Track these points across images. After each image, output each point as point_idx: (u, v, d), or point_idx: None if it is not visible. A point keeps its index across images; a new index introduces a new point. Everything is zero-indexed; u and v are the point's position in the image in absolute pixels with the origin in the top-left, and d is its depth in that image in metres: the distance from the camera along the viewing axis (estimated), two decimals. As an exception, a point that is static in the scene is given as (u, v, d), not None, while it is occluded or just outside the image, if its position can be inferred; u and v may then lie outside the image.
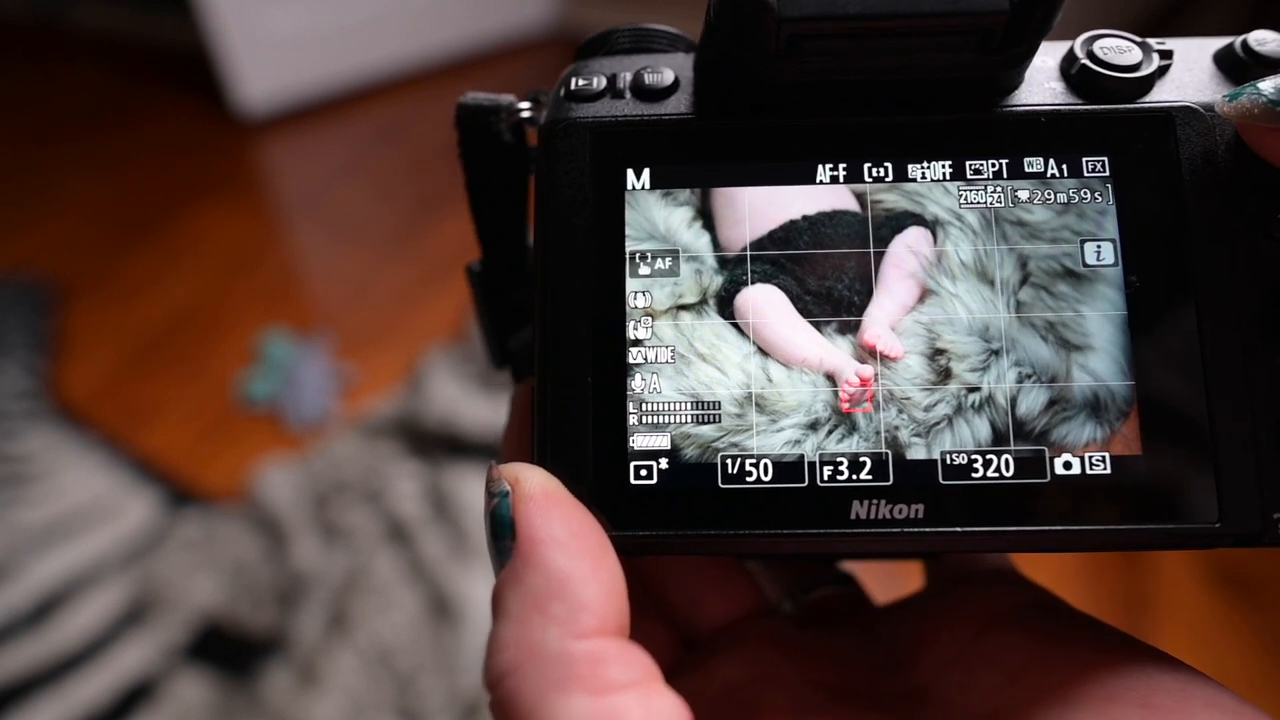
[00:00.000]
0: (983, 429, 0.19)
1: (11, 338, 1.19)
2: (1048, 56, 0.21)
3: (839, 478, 0.19)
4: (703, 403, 0.19)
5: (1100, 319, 0.19)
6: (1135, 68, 0.20)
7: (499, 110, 0.23)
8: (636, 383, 0.19)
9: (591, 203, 0.20)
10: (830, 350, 0.19)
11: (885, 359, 0.19)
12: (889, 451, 0.19)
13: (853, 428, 0.19)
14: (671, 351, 0.20)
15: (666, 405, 0.19)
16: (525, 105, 0.23)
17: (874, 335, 0.19)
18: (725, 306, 0.20)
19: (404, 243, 1.35)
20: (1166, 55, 0.20)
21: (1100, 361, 0.19)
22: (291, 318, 1.21)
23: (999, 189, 0.20)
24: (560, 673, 0.15)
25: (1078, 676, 0.18)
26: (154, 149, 1.57)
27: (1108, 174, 0.19)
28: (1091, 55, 0.20)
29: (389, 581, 0.85)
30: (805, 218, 0.20)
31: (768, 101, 0.20)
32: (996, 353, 0.19)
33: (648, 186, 0.20)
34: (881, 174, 0.20)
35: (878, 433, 0.19)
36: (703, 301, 0.20)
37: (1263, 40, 0.20)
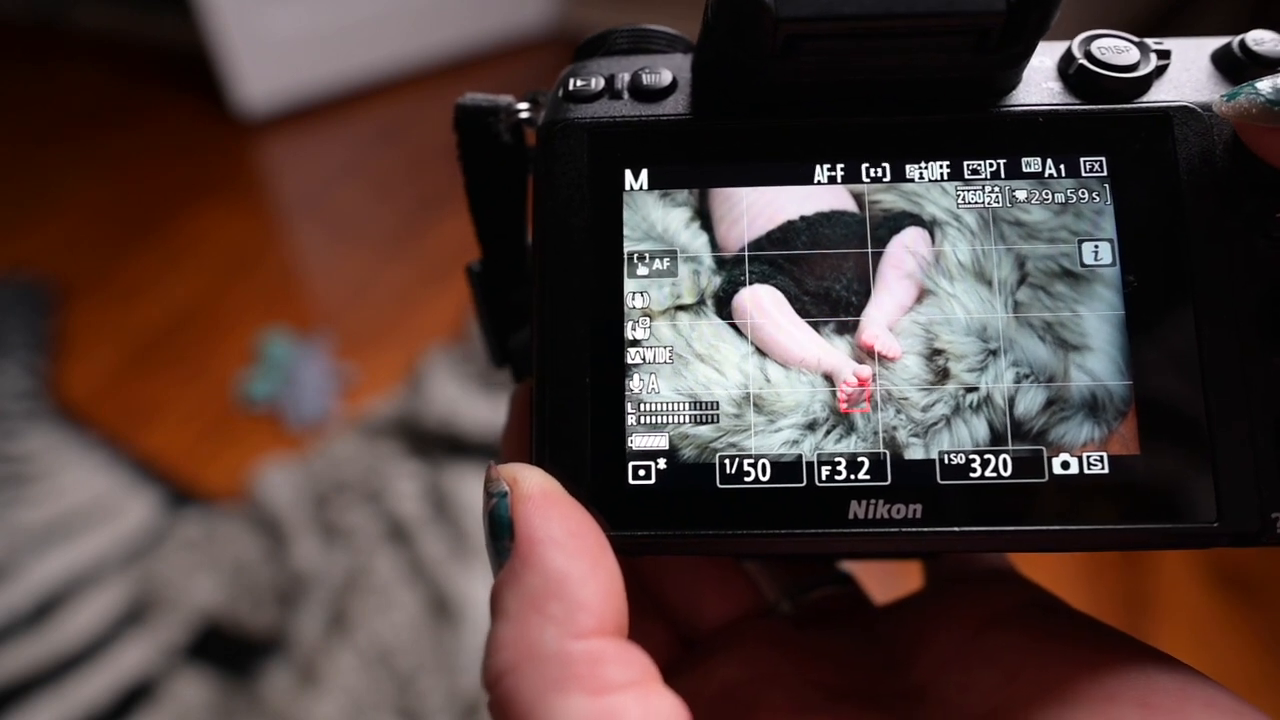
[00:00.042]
0: (981, 429, 0.19)
1: (11, 338, 1.19)
2: (1045, 56, 0.21)
3: (837, 478, 0.19)
4: (701, 403, 0.19)
5: (1098, 319, 0.19)
6: (1133, 68, 0.20)
7: (497, 111, 0.23)
8: (635, 383, 0.19)
9: (589, 203, 0.20)
10: (828, 350, 0.19)
11: (883, 359, 0.19)
12: (887, 451, 0.19)
13: (851, 428, 0.19)
14: (669, 352, 0.20)
15: (664, 405, 0.19)
16: (524, 106, 0.23)
17: (872, 335, 0.19)
18: (723, 307, 0.20)
19: (404, 243, 1.35)
20: (1164, 55, 0.20)
21: (1098, 361, 0.19)
22: (291, 318, 1.21)
23: (997, 189, 0.20)
24: (558, 672, 0.15)
25: (1076, 676, 0.18)
26: (154, 149, 1.57)
27: (1105, 174, 0.19)
28: (1089, 55, 0.20)
29: (389, 581, 0.85)
30: (803, 218, 0.20)
31: (765, 102, 0.20)
32: (994, 353, 0.19)
33: (646, 187, 0.20)
34: (879, 174, 0.20)
35: (876, 433, 0.19)
36: (701, 302, 0.20)
37: (1260, 40, 0.20)
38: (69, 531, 0.94)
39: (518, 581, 0.16)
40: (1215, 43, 0.21)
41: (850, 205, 0.20)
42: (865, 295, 0.20)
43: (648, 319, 0.20)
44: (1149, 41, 0.20)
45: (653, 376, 0.19)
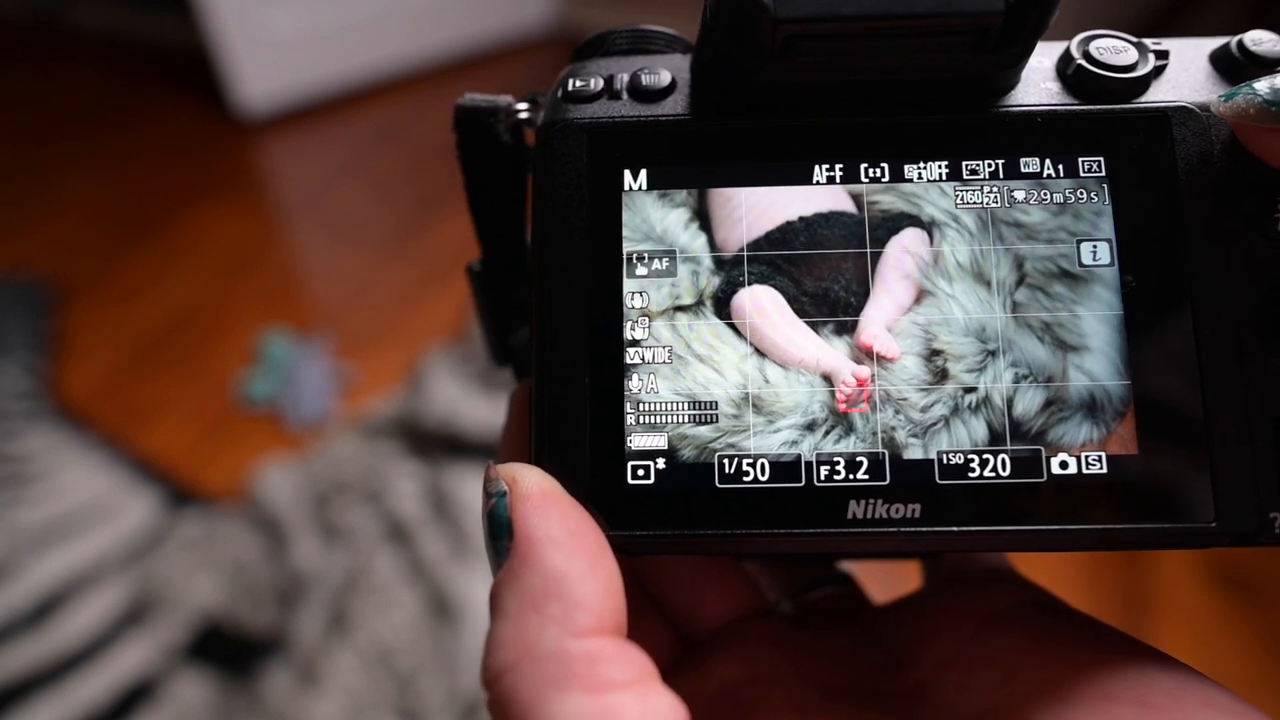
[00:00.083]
0: (979, 429, 0.19)
1: (11, 338, 1.19)
2: (1044, 57, 0.21)
3: (836, 477, 0.19)
4: (700, 403, 0.19)
5: (1096, 319, 0.19)
6: (1131, 68, 0.20)
7: (497, 111, 0.23)
8: (634, 383, 0.19)
9: (588, 203, 0.20)
10: (827, 351, 0.19)
11: (882, 360, 0.19)
12: (886, 451, 0.19)
13: (850, 428, 0.19)
14: (669, 352, 0.20)
15: (663, 406, 0.19)
16: (523, 106, 0.23)
17: (871, 336, 0.19)
18: (722, 307, 0.20)
19: (404, 243, 1.35)
20: (1162, 55, 0.20)
21: (1096, 362, 0.19)
22: (291, 318, 1.21)
23: (995, 189, 0.20)
24: (557, 671, 0.15)
25: (1075, 675, 0.18)
26: (154, 149, 1.57)
27: (1104, 174, 0.19)
28: (1088, 55, 0.20)
29: (389, 581, 0.85)
30: (802, 219, 0.20)
31: (764, 102, 0.20)
32: (993, 353, 0.19)
33: (645, 187, 0.20)
34: (878, 174, 0.20)
35: (874, 433, 0.19)
36: (700, 302, 0.20)
37: (1258, 40, 0.20)
38: (69, 531, 0.94)
39: (517, 581, 0.16)
40: (1214, 43, 0.21)
41: (849, 206, 0.20)
42: (864, 296, 0.20)
43: (647, 319, 0.20)
44: (1147, 42, 0.20)
45: (652, 377, 0.19)
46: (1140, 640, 0.20)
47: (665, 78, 0.21)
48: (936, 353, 0.19)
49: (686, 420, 0.19)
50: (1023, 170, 0.20)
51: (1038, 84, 0.20)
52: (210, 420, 1.08)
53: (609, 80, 0.21)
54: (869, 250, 0.20)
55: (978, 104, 0.20)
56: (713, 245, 0.20)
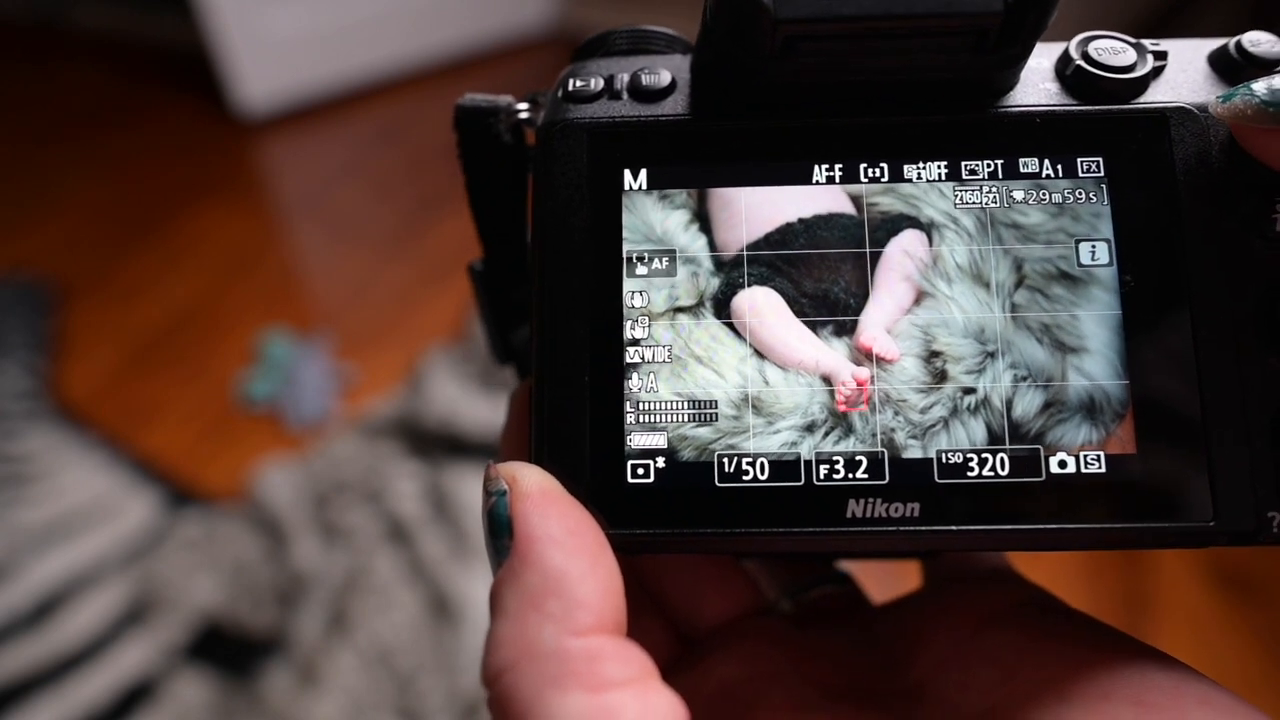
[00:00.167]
0: (978, 431, 0.19)
1: (11, 338, 1.19)
2: (1043, 58, 0.21)
3: (835, 476, 0.19)
4: (699, 404, 0.19)
5: (1095, 321, 0.19)
6: (1130, 69, 0.20)
7: (497, 111, 0.23)
8: (634, 382, 0.20)
9: (589, 203, 0.20)
10: (826, 353, 0.19)
11: (881, 361, 0.19)
12: (885, 451, 0.19)
13: (849, 429, 0.19)
14: (668, 352, 0.20)
15: (663, 405, 0.19)
16: (523, 106, 0.23)
17: (870, 338, 0.19)
18: (722, 309, 0.20)
19: (404, 243, 1.35)
20: (1161, 56, 0.20)
21: (1095, 363, 0.19)
22: (291, 318, 1.22)
23: (994, 190, 0.20)
24: (557, 669, 0.15)
25: (1073, 674, 0.18)
26: (154, 149, 1.57)
27: (1102, 174, 0.20)
28: (1086, 56, 0.20)
29: (389, 581, 0.85)
30: (801, 220, 0.20)
31: (764, 102, 0.20)
32: (992, 355, 0.19)
33: (645, 187, 0.20)
34: (877, 174, 0.20)
35: (874, 434, 0.19)
36: (699, 304, 0.20)
37: (1256, 41, 0.20)
38: (69, 531, 0.94)
39: (517, 579, 0.17)
40: (1212, 44, 0.21)
41: (848, 208, 0.20)
42: (863, 297, 0.20)
43: (647, 319, 0.20)
44: (1146, 43, 0.20)
45: (651, 377, 0.20)
46: (1138, 640, 0.20)
47: (665, 78, 0.21)
48: (936, 354, 0.19)
49: (686, 420, 0.19)
50: (1022, 171, 0.20)
51: (1037, 84, 0.20)
52: (210, 420, 1.08)
53: (609, 80, 0.21)
54: (868, 252, 0.20)
55: (977, 104, 0.20)
56: (712, 246, 0.20)
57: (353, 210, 1.43)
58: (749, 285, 0.20)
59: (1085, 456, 0.19)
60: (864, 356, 0.19)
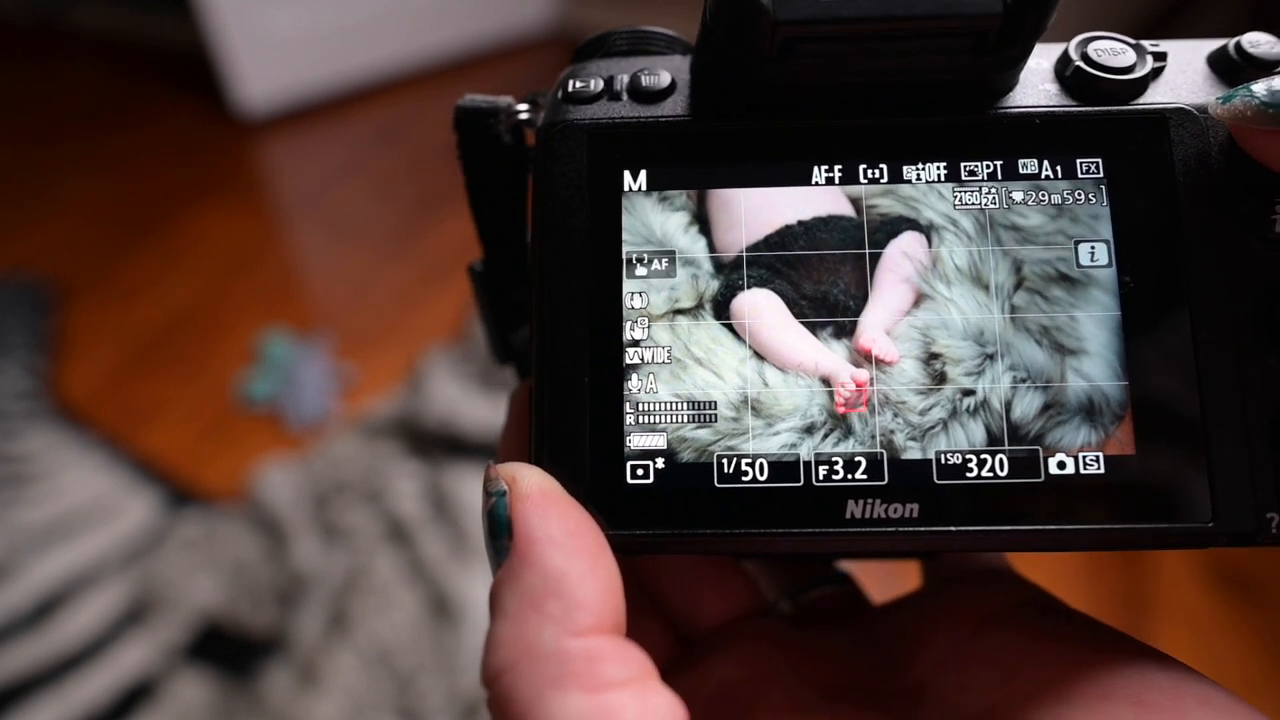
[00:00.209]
0: (978, 432, 0.19)
1: (11, 338, 1.19)
2: (1042, 59, 0.21)
3: (834, 477, 0.19)
4: (699, 405, 0.19)
5: (1094, 322, 0.19)
6: (1129, 69, 0.20)
7: (497, 112, 0.23)
8: (633, 383, 0.20)
9: (588, 204, 0.20)
10: (826, 354, 0.19)
11: (880, 363, 0.19)
12: (884, 452, 0.19)
13: (848, 431, 0.19)
14: (668, 353, 0.20)
15: (662, 407, 0.19)
16: (523, 107, 0.23)
17: (869, 339, 0.19)
18: (721, 310, 0.20)
19: (404, 243, 1.35)
20: (1160, 57, 0.20)
21: (1094, 365, 0.19)
22: (291, 318, 1.22)
23: (993, 191, 0.20)
24: (556, 670, 0.15)
25: (1072, 674, 0.19)
26: (154, 149, 1.57)
27: (1102, 175, 0.20)
28: (1086, 57, 0.20)
29: (389, 581, 0.85)
30: (801, 223, 0.20)
31: (763, 103, 0.20)
32: (991, 357, 0.19)
33: (644, 188, 0.20)
34: (876, 175, 0.20)
35: (873, 436, 0.19)
36: (699, 305, 0.20)
37: (1256, 42, 0.20)
38: (69, 531, 0.94)
39: (516, 580, 0.17)
40: (1211, 45, 0.21)
41: (847, 210, 0.20)
42: (862, 299, 0.20)
43: (646, 319, 0.20)
44: (1145, 43, 0.20)
45: (651, 378, 0.20)
46: (1138, 640, 0.20)
47: (665, 79, 0.21)
48: (935, 356, 0.19)
49: (686, 421, 0.19)
50: (1021, 171, 0.20)
51: (1036, 85, 0.20)
52: (210, 420, 1.08)
53: (609, 81, 0.21)
54: (867, 253, 0.20)
55: (976, 106, 0.20)
56: (712, 248, 0.20)
57: (353, 210, 1.43)
58: (749, 287, 0.20)
59: (1084, 458, 0.19)
60: (863, 358, 0.19)
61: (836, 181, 0.20)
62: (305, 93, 1.63)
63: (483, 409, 0.99)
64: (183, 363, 1.16)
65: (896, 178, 0.20)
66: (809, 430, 0.19)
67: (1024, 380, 0.19)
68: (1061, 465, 0.19)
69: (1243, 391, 0.18)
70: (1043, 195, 0.20)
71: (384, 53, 1.68)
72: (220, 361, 1.15)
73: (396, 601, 0.84)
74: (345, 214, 1.42)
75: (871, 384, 0.19)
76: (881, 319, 0.19)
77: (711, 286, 0.20)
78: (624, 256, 0.20)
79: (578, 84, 0.21)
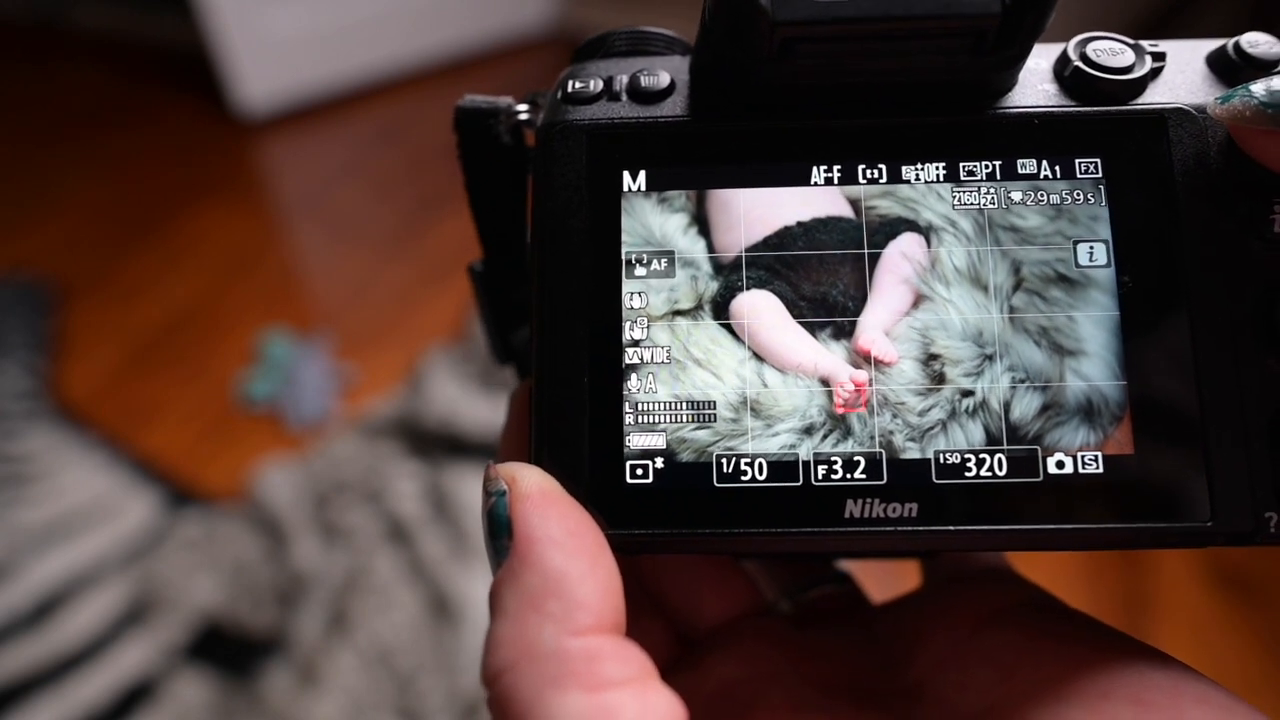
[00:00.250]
0: (976, 433, 0.19)
1: (11, 338, 1.19)
2: (1041, 59, 0.21)
3: (833, 477, 0.19)
4: (698, 406, 0.19)
5: (1093, 323, 0.19)
6: (1128, 70, 0.20)
7: (497, 113, 0.23)
8: (632, 383, 0.20)
9: (588, 205, 0.20)
10: (825, 355, 0.19)
11: (879, 364, 0.19)
12: (883, 452, 0.19)
13: (847, 432, 0.19)
14: (667, 354, 0.20)
15: (662, 407, 0.19)
16: (523, 107, 0.23)
17: (868, 340, 0.19)
18: (720, 311, 0.20)
19: (404, 243, 1.35)
20: (1159, 57, 0.20)
21: (1093, 366, 0.19)
22: (291, 318, 1.22)
23: (992, 191, 0.20)
24: (556, 669, 0.15)
25: (1071, 673, 0.19)
26: (154, 149, 1.57)
27: (1100, 175, 0.20)
28: (1084, 57, 0.20)
29: (389, 581, 0.85)
30: (800, 224, 0.20)
31: (763, 103, 0.20)
32: (990, 357, 0.19)
33: (644, 188, 0.20)
34: (875, 175, 0.20)
35: (872, 436, 0.19)
36: (698, 307, 0.20)
37: (1254, 42, 0.20)
38: (69, 531, 0.94)
39: (516, 580, 0.17)
40: (1210, 45, 0.21)
41: (847, 211, 0.20)
42: (862, 300, 0.20)
43: (645, 320, 0.20)
44: (1144, 44, 0.20)
45: (650, 378, 0.20)
46: (1137, 639, 0.20)
47: (664, 79, 0.21)
48: (934, 357, 0.19)
49: (685, 422, 0.19)
50: (1020, 172, 0.20)
51: (1035, 85, 0.20)
52: (210, 420, 1.08)
53: (608, 82, 0.21)
54: (866, 254, 0.20)
55: (975, 106, 0.20)
56: (711, 249, 0.20)
57: (353, 210, 1.43)
58: (748, 288, 0.20)
59: (1083, 457, 0.19)
60: (862, 359, 0.19)
61: (835, 182, 0.20)
62: (305, 93, 1.63)
63: (483, 409, 1.00)
64: (183, 363, 1.16)
65: (895, 178, 0.20)
66: (808, 431, 0.19)
67: (1023, 381, 0.19)
68: (1060, 465, 0.19)
69: (1241, 391, 0.18)
70: (1041, 195, 0.20)
71: (384, 53, 1.68)
72: (220, 361, 1.15)
73: (396, 601, 0.84)
74: (345, 214, 1.42)
75: (870, 385, 0.19)
76: (880, 320, 0.19)
77: (711, 287, 0.20)
78: (623, 257, 0.20)
79: (577, 84, 0.21)
